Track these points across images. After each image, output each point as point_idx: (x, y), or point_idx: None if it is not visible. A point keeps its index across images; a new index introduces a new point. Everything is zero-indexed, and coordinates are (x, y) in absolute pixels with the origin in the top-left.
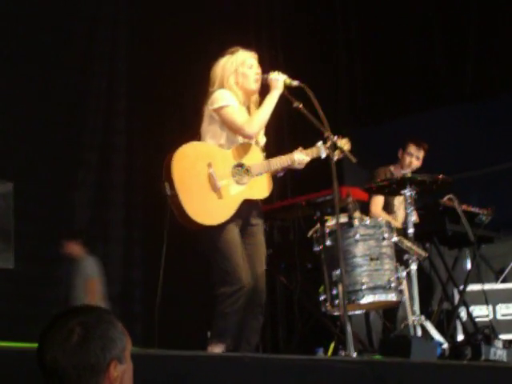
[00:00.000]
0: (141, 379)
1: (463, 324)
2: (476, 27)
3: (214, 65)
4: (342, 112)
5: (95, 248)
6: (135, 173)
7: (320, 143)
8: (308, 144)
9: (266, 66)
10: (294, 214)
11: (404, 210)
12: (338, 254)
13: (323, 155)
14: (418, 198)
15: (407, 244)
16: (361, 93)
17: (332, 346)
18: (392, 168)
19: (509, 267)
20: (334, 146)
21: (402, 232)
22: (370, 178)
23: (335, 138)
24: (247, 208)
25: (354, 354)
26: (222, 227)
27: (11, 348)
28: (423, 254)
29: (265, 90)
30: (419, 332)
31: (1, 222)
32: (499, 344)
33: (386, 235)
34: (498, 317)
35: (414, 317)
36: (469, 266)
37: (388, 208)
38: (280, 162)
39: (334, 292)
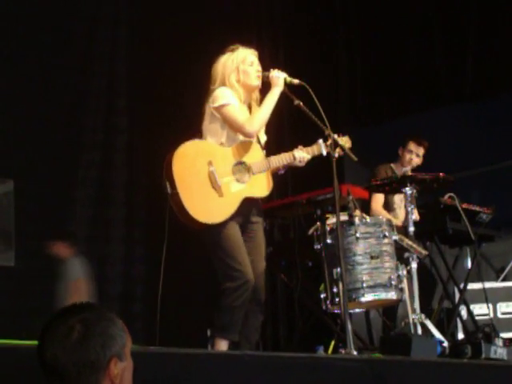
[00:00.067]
0: (141, 377)
1: (463, 322)
2: (476, 27)
3: (215, 63)
4: (342, 112)
5: (96, 247)
6: (136, 172)
7: (320, 141)
8: (308, 142)
9: (267, 64)
10: (294, 211)
11: (404, 209)
12: (339, 252)
13: (324, 153)
14: (418, 196)
15: (408, 242)
16: (361, 93)
17: (332, 343)
18: (393, 166)
19: (509, 266)
20: (335, 144)
21: (403, 230)
22: (370, 176)
23: (336, 135)
24: (248, 206)
25: (355, 352)
26: (222, 225)
27: (12, 345)
28: (424, 252)
29: (265, 87)
30: (419, 330)
31: (1, 220)
32: (499, 342)
33: (386, 233)
34: (499, 315)
35: (415, 315)
36: (469, 264)
37: (388, 206)
38: (280, 159)
39: (335, 290)
